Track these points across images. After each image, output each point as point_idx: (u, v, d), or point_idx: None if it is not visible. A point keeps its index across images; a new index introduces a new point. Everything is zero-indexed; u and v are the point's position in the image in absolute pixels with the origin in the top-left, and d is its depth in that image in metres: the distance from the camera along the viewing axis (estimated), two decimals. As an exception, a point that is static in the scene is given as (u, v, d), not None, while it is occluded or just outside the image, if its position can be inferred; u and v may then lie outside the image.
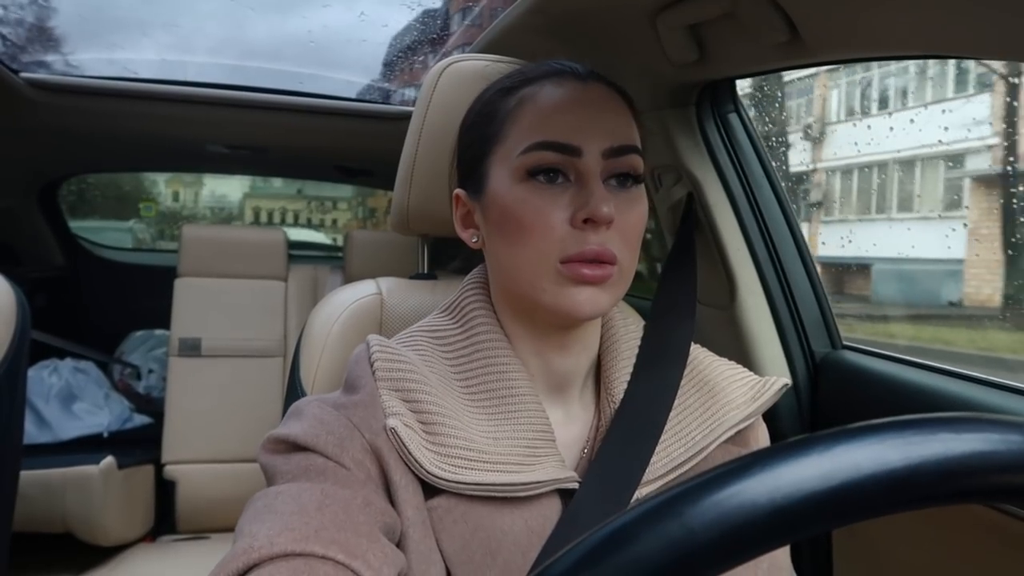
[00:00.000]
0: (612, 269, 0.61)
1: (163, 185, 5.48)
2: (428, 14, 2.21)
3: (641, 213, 0.65)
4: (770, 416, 0.74)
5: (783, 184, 1.16)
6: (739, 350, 1.12)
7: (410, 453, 0.58)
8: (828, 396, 1.08)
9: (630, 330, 0.74)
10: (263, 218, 6.76)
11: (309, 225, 6.50)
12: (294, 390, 0.86)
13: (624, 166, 0.64)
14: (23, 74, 1.79)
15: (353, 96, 2.22)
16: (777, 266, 1.13)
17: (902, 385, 0.94)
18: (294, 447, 0.59)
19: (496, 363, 0.66)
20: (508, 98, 0.66)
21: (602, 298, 0.62)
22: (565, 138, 0.62)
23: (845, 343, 1.12)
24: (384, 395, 0.62)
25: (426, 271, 1.05)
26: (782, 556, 0.70)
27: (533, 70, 0.68)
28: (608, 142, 0.62)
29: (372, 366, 0.64)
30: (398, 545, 0.58)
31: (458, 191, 0.70)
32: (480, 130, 0.68)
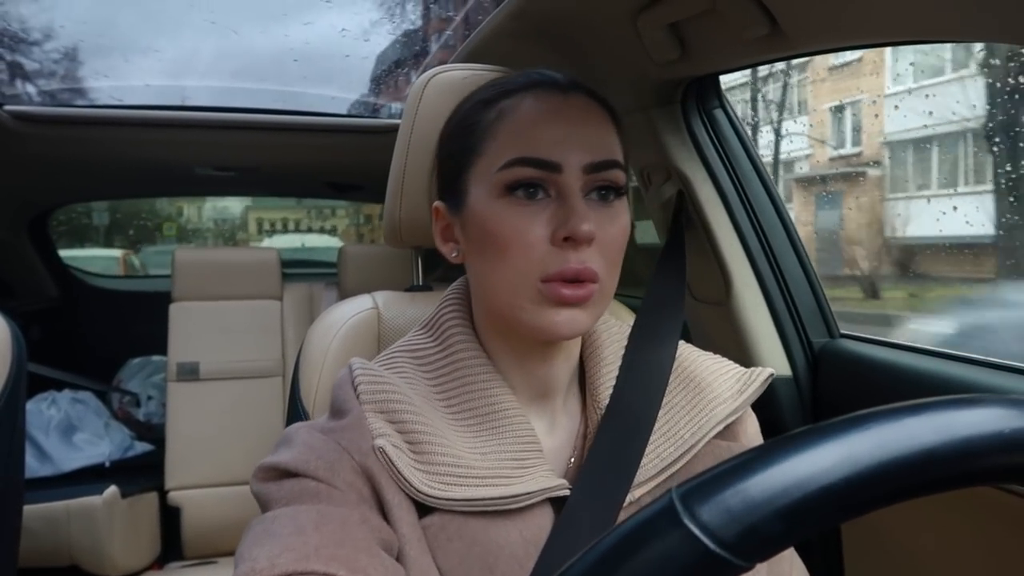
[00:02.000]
0: (593, 288, 0.60)
1: (167, 203, 5.59)
2: (408, 34, 2.22)
3: (623, 227, 0.63)
4: (770, 408, 0.74)
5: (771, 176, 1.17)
6: (737, 344, 1.12)
7: (399, 472, 0.58)
8: (828, 385, 1.08)
9: (612, 333, 0.73)
10: (266, 227, 6.87)
11: (310, 231, 6.64)
12: (295, 409, 0.86)
13: (605, 180, 0.62)
14: (6, 107, 1.78)
15: (337, 112, 2.22)
16: (771, 259, 1.13)
17: (902, 371, 0.94)
18: (285, 474, 0.59)
19: (476, 382, 0.65)
20: (487, 111, 0.65)
21: (582, 318, 0.61)
22: (545, 154, 0.60)
23: (843, 332, 1.12)
24: (370, 417, 0.61)
25: (420, 283, 1.05)
26: None
27: (512, 81, 0.66)
28: (589, 157, 0.61)
29: (356, 389, 0.63)
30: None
31: (437, 204, 0.69)
32: (459, 143, 0.66)
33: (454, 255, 0.69)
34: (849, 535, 1.03)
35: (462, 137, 0.66)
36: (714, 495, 0.27)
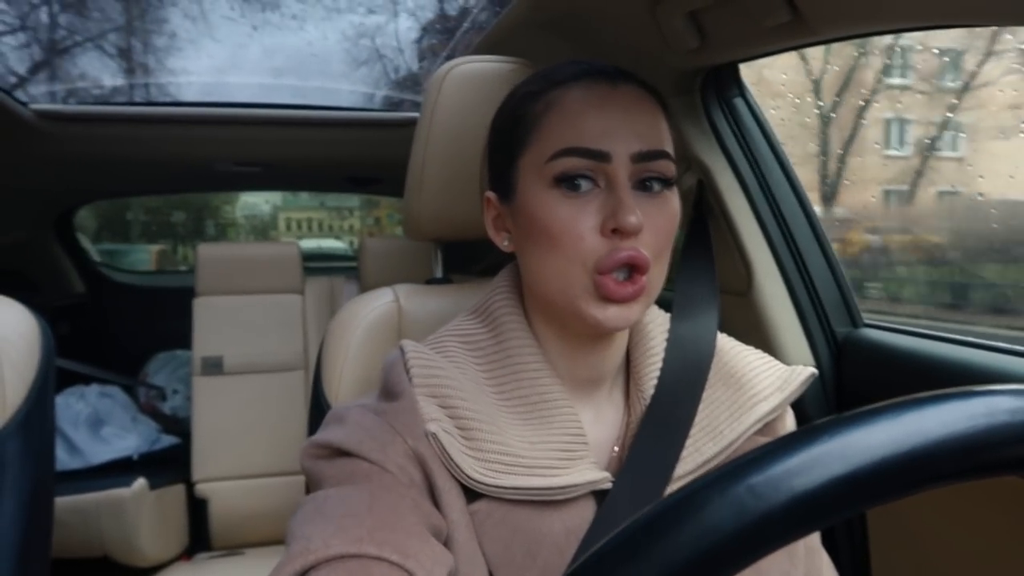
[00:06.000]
0: (642, 282, 0.61)
1: (216, 207, 5.86)
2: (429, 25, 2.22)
3: (670, 217, 0.63)
4: (795, 400, 0.73)
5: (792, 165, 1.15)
6: (760, 336, 1.12)
7: (451, 458, 0.59)
8: (852, 376, 1.07)
9: (657, 323, 0.74)
10: (294, 228, 7.21)
11: (331, 231, 6.97)
12: (318, 402, 0.87)
13: (654, 170, 0.62)
14: (31, 105, 1.81)
15: (356, 105, 2.23)
16: (793, 249, 1.12)
17: (927, 360, 0.93)
18: (337, 452, 0.60)
19: (528, 370, 0.66)
20: (536, 102, 0.65)
21: (631, 311, 0.62)
22: (593, 144, 0.60)
23: (867, 321, 1.11)
24: (422, 401, 0.62)
25: (441, 275, 1.05)
26: (814, 536, 0.70)
27: (561, 72, 0.66)
28: (638, 146, 0.61)
29: (408, 372, 0.64)
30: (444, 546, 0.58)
31: (489, 194, 0.70)
32: (508, 134, 0.67)
33: (505, 244, 0.70)
34: (875, 526, 1.02)
35: (511, 128, 0.67)
36: None
